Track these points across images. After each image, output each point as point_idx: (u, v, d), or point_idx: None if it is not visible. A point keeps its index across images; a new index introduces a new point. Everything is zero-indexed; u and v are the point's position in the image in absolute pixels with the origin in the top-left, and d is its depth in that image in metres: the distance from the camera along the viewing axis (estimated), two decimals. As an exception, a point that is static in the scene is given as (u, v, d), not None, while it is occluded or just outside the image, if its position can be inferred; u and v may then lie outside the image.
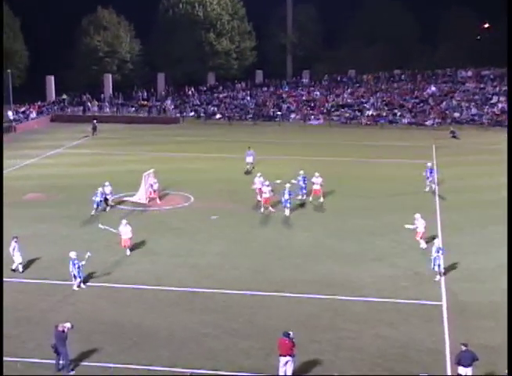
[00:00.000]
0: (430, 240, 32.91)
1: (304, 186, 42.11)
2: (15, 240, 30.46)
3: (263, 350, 22.98)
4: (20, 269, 30.04)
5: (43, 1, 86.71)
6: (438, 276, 29.25)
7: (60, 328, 21.67)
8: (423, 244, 33.08)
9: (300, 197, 41.70)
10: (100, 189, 39.63)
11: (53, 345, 21.57)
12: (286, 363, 20.87)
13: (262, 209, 39.55)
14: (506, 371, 20.93)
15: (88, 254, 28.97)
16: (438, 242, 29.90)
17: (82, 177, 49.10)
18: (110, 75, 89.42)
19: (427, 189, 44.49)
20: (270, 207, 39.62)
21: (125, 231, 32.48)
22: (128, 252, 32.29)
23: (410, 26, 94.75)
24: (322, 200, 41.83)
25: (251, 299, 27.36)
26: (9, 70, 76.13)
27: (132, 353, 22.77)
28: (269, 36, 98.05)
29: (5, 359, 22.08)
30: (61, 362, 21.63)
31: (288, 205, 38.93)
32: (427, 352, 23.12)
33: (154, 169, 43.64)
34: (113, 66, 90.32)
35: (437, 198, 42.90)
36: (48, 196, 43.63)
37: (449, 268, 30.42)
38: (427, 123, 75.89)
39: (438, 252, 29.30)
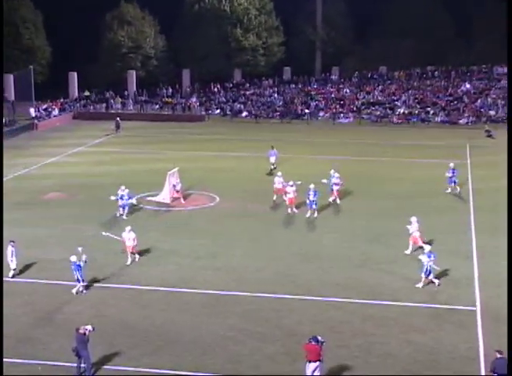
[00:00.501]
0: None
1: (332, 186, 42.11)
2: (12, 244, 29.95)
3: (289, 355, 22.99)
4: (10, 275, 29.54)
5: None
6: (436, 281, 29.02)
7: (82, 331, 21.81)
8: (408, 251, 32.91)
9: (332, 198, 41.68)
10: (121, 192, 39.27)
11: (74, 348, 21.72)
12: (315, 369, 20.83)
13: (289, 210, 39.59)
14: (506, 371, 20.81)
15: (84, 256, 28.55)
16: (428, 248, 29.63)
17: (105, 176, 49.40)
18: (134, 71, 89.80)
19: (449, 190, 44.20)
20: (294, 208, 39.64)
21: (128, 237, 31.67)
22: (137, 257, 31.84)
23: (444, 20, 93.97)
24: (338, 201, 41.79)
25: (277, 303, 27.38)
26: (31, 67, 76.78)
27: (156, 357, 22.89)
28: (297, 31, 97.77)
29: (26, 361, 22.34)
30: (82, 365, 21.78)
31: (314, 207, 38.92)
32: (459, 359, 22.98)
33: (178, 168, 43.78)
34: (137, 63, 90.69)
35: (471, 199, 42.63)
36: (69, 195, 43.93)
37: (484, 272, 30.25)
38: (461, 121, 75.39)
39: (430, 257, 29.05)
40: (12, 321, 25.37)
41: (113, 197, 39.24)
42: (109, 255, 32.42)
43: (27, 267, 30.70)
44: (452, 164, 44.90)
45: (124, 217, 38.50)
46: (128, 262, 31.38)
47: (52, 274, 30.00)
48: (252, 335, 24.51)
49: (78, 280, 28.11)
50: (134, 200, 40.16)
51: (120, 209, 38.96)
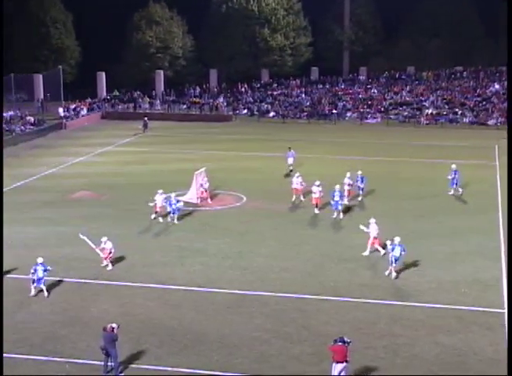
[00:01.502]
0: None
1: (362, 186, 41.99)
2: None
3: (316, 355, 22.93)
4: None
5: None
6: (393, 273, 29.77)
7: (109, 329, 21.92)
8: (366, 252, 32.73)
9: (359, 199, 41.54)
10: (160, 196, 38.37)
11: (103, 347, 21.79)
12: (342, 370, 20.77)
13: (316, 210, 39.55)
14: (507, 371, 20.62)
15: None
16: (398, 240, 29.91)
17: (133, 175, 49.66)
18: (162, 71, 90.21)
19: (452, 192, 43.82)
20: (317, 209, 39.56)
21: (106, 248, 30.83)
22: (110, 266, 30.81)
23: (473, 20, 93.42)
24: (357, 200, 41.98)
25: (304, 303, 27.34)
26: (60, 67, 77.42)
27: (182, 356, 22.93)
28: (325, 32, 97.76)
29: (54, 359, 22.49)
30: (109, 364, 21.87)
31: (339, 208, 38.84)
32: (487, 361, 22.81)
33: (205, 168, 43.86)
34: (164, 63, 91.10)
35: (499, 200, 42.30)
36: (97, 194, 44.18)
37: (512, 274, 30.05)
38: (489, 122, 74.87)
39: (403, 251, 29.82)
40: (41, 319, 25.58)
41: (151, 204, 38.22)
42: (136, 255, 32.57)
43: (55, 266, 30.86)
44: (454, 166, 44.38)
45: (176, 222, 37.39)
46: (110, 268, 30.72)
47: (80, 273, 30.18)
48: (278, 335, 24.49)
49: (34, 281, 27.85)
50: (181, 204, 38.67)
51: (171, 215, 37.55)
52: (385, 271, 30.29)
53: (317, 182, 40.11)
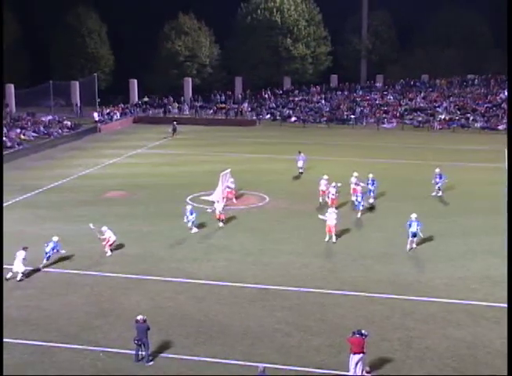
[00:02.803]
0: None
1: (372, 189, 41.82)
2: (25, 250, 29.20)
3: (333, 347, 22.95)
4: (18, 278, 28.72)
5: (128, 8, 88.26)
6: (412, 245, 32.90)
7: (141, 320, 22.06)
8: (334, 238, 34.30)
9: (370, 201, 41.39)
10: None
11: (138, 338, 21.87)
12: (359, 361, 20.78)
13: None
14: (507, 371, 20.47)
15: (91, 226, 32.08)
16: (414, 216, 33.22)
17: (162, 176, 49.86)
18: (190, 79, 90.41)
19: (434, 193, 43.52)
20: (334, 208, 39.42)
21: (109, 236, 32.10)
22: (109, 253, 31.91)
23: (484, 30, 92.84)
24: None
25: (323, 297, 27.33)
26: (95, 74, 77.90)
27: (208, 347, 23.02)
28: (344, 41, 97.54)
29: (88, 348, 22.67)
30: (140, 352, 22.01)
31: (361, 207, 38.87)
32: (495, 353, 22.73)
33: (230, 169, 43.91)
34: (192, 70, 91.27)
35: (505, 200, 42.00)
36: (129, 194, 44.40)
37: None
38: (500, 127, 74.25)
39: (419, 226, 32.87)
40: (77, 310, 25.78)
41: (209, 210, 37.65)
42: (165, 250, 32.74)
43: (89, 260, 31.14)
44: (437, 170, 43.92)
45: (193, 231, 35.60)
46: (108, 254, 31.92)
47: (112, 267, 30.40)
48: (299, 328, 24.51)
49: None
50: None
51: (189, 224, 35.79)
52: (400, 265, 30.30)
53: (333, 184, 40.19)
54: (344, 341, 21.57)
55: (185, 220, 35.48)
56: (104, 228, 32.41)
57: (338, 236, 35.10)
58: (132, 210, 40.19)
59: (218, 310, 25.98)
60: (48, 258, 30.21)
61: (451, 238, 34.99)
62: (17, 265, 28.83)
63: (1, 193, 40.78)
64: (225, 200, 41.15)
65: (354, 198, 40.42)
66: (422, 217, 38.42)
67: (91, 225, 32.52)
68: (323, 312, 25.93)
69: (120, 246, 32.97)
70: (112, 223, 36.13)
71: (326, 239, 34.37)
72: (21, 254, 29.02)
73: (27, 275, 29.02)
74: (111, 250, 32.23)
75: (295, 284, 28.52)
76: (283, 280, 29.11)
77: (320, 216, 35.03)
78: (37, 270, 29.69)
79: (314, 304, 26.68)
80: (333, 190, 39.99)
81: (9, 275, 28.85)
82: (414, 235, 32.79)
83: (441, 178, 43.54)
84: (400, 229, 35.21)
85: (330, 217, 34.59)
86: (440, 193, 43.52)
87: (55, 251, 30.30)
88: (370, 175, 42.25)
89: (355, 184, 41.43)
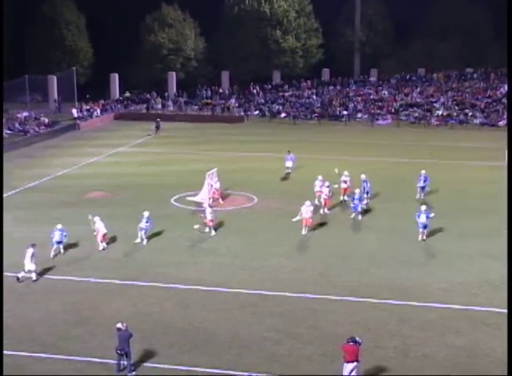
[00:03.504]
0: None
1: (367, 190, 41.71)
2: (33, 247, 29.58)
3: (326, 356, 22.91)
4: (34, 277, 29.23)
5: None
6: (423, 237, 34.85)
7: (123, 328, 21.94)
8: (304, 231, 35.90)
9: (365, 202, 41.27)
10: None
11: (119, 348, 21.73)
12: (352, 370, 20.74)
13: (321, 211, 39.62)
14: (507, 371, 20.51)
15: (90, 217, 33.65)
16: (423, 207, 35.21)
17: (146, 176, 49.72)
18: (174, 73, 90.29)
19: (418, 196, 43.43)
20: (327, 209, 39.60)
21: (101, 226, 33.52)
22: (101, 247, 33.32)
23: (483, 22, 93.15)
24: (346, 198, 41.37)
25: (315, 303, 27.31)
26: (73, 68, 77.63)
27: (193, 356, 22.93)
28: (337, 33, 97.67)
29: (66, 357, 22.53)
30: (122, 362, 21.90)
31: (359, 209, 38.74)
32: (497, 362, 22.70)
33: (217, 168, 43.82)
34: (177, 64, 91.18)
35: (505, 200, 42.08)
36: (111, 194, 44.27)
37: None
38: (500, 123, 74.47)
39: (428, 217, 34.63)
40: (55, 319, 25.64)
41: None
42: (149, 254, 32.64)
43: (67, 265, 31.01)
44: (423, 172, 43.60)
45: (142, 241, 34.42)
46: (100, 248, 33.21)
47: (92, 272, 30.27)
48: (289, 335, 24.46)
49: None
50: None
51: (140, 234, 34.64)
52: (396, 269, 30.37)
53: (326, 183, 40.27)
54: (338, 349, 21.51)
55: (141, 227, 34.33)
56: (96, 218, 33.54)
57: (331, 238, 35.12)
58: (115, 211, 40.03)
59: (204, 317, 25.91)
60: (59, 245, 32.41)
61: (449, 240, 35.04)
62: (28, 264, 29.14)
63: (1, 193, 41.46)
64: (211, 200, 41.12)
65: (345, 198, 40.64)
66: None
67: (89, 216, 33.90)
68: (315, 318, 25.90)
69: (98, 250, 32.87)
70: (89, 225, 36.02)
71: (303, 232, 35.83)
72: (29, 251, 29.32)
73: (4, 282, 28.83)
74: (107, 243, 33.54)
75: (286, 289, 28.47)
76: (273, 284, 29.06)
77: (294, 219, 36.09)
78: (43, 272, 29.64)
79: (305, 310, 26.65)
80: (325, 190, 40.06)
81: (20, 274, 29.11)
82: (425, 226, 34.72)
83: (425, 180, 43.29)
84: (396, 230, 35.29)
85: (307, 210, 35.77)
86: (423, 196, 43.36)
87: (65, 237, 32.46)
88: (363, 176, 41.99)
89: (344, 182, 41.61)
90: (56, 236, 32.25)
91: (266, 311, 26.52)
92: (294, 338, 24.30)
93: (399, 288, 28.76)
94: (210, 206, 38.28)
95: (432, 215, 34.85)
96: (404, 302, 27.33)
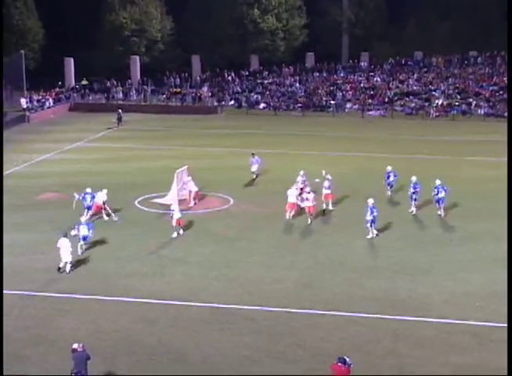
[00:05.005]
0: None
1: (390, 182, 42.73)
2: (66, 236, 31.83)
3: (312, 377, 23.07)
4: (68, 269, 31.43)
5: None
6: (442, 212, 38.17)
7: (80, 348, 21.91)
8: (288, 216, 38.31)
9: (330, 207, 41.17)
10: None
11: (75, 371, 21.61)
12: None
13: (309, 220, 38.98)
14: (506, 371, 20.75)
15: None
16: (438, 182, 37.88)
17: (106, 175, 49.63)
18: (138, 57, 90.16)
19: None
20: (310, 217, 39.03)
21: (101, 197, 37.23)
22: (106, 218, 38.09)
23: None
24: (331, 207, 41.11)
25: (299, 318, 27.40)
26: (22, 51, 77.21)
27: (161, 379, 23.01)
28: (322, 12, 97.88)
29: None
30: (80, 386, 21.90)
31: (373, 225, 36.63)
32: (504, 383, 22.96)
33: (188, 166, 43.86)
34: (141, 47, 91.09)
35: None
36: (67, 196, 44.06)
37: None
38: (507, 114, 75.01)
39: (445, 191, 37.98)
40: (3, 338, 25.56)
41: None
42: (109, 264, 32.62)
43: (16, 277, 30.88)
44: (389, 168, 44.23)
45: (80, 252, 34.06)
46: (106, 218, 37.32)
47: (46, 285, 30.18)
48: (270, 355, 24.53)
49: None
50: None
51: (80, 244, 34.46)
52: (390, 279, 30.55)
53: (307, 189, 39.72)
54: (325, 370, 21.58)
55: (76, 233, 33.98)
56: (105, 190, 39.19)
57: (317, 245, 35.26)
58: (70, 215, 39.88)
59: (173, 335, 25.94)
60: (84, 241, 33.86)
61: (451, 246, 35.30)
62: (65, 255, 31.27)
63: (1, 192, 42.08)
64: (183, 201, 41.17)
65: (330, 207, 40.72)
66: (414, 221, 38.87)
67: (75, 194, 37.02)
68: (299, 335, 25.98)
69: (51, 259, 32.73)
70: (47, 232, 36.02)
71: (287, 217, 38.54)
72: (64, 242, 31.47)
73: None
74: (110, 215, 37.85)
75: (266, 303, 28.54)
76: (252, 298, 29.13)
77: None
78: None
79: (288, 326, 26.72)
80: (310, 196, 39.29)
81: (61, 264, 31.44)
82: (441, 201, 39.19)
83: (391, 177, 43.72)
84: (389, 236, 35.45)
85: (292, 194, 38.83)
86: (389, 193, 43.84)
87: (91, 231, 33.87)
88: (328, 176, 41.70)
89: (328, 188, 40.83)
90: (84, 231, 33.56)
91: (244, 327, 26.59)
92: (276, 357, 24.36)
93: (394, 301, 28.91)
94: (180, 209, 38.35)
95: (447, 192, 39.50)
96: (399, 317, 27.46)
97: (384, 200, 42.24)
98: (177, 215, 36.55)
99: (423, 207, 41.46)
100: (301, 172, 42.77)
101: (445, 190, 39.78)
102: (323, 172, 41.89)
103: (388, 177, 44.01)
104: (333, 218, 39.65)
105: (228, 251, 34.70)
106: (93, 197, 38.62)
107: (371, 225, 36.17)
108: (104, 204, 39.29)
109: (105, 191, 39.55)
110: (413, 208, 40.87)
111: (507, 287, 27.21)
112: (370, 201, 36.45)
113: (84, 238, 33.66)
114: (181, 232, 36.70)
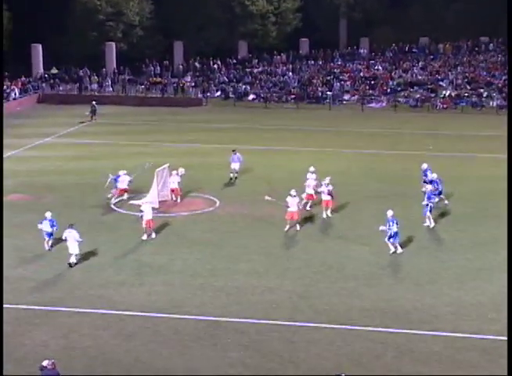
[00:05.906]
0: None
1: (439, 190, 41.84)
2: (71, 227, 33.61)
3: (307, 397, 23.10)
4: (74, 261, 33.19)
5: None
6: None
7: (50, 366, 21.85)
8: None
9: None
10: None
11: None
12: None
13: (287, 227, 38.53)
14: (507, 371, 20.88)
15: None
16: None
17: (79, 174, 49.62)
18: (114, 44, 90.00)
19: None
20: (297, 225, 38.79)
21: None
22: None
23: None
24: (330, 214, 40.84)
25: (293, 332, 27.42)
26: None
27: (140, 400, 23.02)
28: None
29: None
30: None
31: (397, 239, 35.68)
32: (518, 402, 23.01)
33: (169, 164, 43.86)
34: (117, 33, 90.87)
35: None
36: (35, 197, 44.08)
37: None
38: (521, 106, 75.33)
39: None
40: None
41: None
42: (83, 272, 32.57)
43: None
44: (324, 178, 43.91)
45: (47, 247, 35.73)
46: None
47: (11, 296, 30.04)
48: (260, 372, 24.54)
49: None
50: None
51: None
52: (393, 289, 30.59)
53: (293, 192, 38.73)
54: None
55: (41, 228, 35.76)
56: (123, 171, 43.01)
57: (312, 251, 35.30)
58: (40, 218, 39.83)
59: (153, 351, 25.92)
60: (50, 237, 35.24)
61: (459, 252, 35.34)
62: (72, 247, 33.16)
63: (1, 192, 42.73)
64: (164, 201, 41.25)
65: (329, 214, 40.50)
66: (420, 225, 38.86)
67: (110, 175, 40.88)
68: (292, 350, 26.00)
69: (18, 267, 32.71)
70: (13, 236, 35.96)
71: (286, 228, 37.68)
72: (72, 232, 33.40)
73: None
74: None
75: (255, 315, 28.58)
76: (240, 309, 29.16)
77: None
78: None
79: (280, 340, 26.75)
80: (293, 201, 39.05)
81: (71, 260, 33.10)
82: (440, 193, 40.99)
83: (428, 175, 43.28)
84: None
85: (292, 202, 37.38)
86: (446, 202, 43.69)
87: (54, 228, 35.15)
88: (434, 175, 42.04)
89: (328, 194, 40.38)
90: (47, 228, 35.07)
91: (231, 342, 26.58)
92: (267, 374, 24.39)
93: (396, 312, 28.97)
94: (161, 211, 38.41)
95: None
96: (403, 330, 27.53)
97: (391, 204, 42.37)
98: (147, 216, 36.80)
99: (420, 209, 41.52)
100: (312, 169, 42.31)
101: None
102: (327, 179, 40.75)
103: (425, 175, 43.31)
104: (329, 223, 39.62)
105: (214, 257, 34.69)
106: (52, 226, 35.47)
107: (389, 240, 35.08)
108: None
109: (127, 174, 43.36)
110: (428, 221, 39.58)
111: (507, 288, 27.30)
112: (389, 213, 35.20)
113: (49, 234, 35.20)
114: (153, 235, 36.90)
